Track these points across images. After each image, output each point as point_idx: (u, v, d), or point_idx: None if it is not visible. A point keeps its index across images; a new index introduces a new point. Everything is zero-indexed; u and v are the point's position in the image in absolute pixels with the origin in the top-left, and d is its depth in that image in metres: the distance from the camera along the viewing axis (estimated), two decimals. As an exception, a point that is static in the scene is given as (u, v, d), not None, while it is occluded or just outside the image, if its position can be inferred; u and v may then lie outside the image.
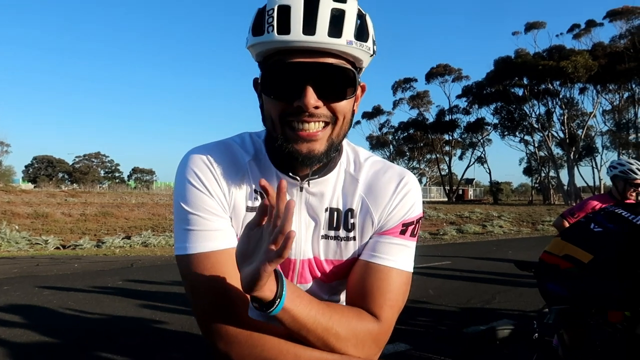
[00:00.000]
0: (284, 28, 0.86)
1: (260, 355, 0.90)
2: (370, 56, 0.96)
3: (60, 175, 69.62)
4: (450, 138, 57.10)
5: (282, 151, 0.93)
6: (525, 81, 45.95)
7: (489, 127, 52.98)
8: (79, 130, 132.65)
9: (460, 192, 57.92)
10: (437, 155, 59.05)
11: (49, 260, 10.32)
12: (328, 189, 1.04)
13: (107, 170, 77.53)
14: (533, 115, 48.07)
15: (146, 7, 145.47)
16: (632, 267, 3.26)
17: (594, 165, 49.59)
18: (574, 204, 6.06)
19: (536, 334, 3.18)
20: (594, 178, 49.89)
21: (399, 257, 1.02)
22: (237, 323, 0.92)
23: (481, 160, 55.42)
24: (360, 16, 0.93)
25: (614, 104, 46.50)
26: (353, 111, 0.99)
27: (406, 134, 59.45)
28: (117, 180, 68.91)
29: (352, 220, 1.04)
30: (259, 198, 1.01)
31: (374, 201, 1.04)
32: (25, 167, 70.42)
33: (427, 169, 65.42)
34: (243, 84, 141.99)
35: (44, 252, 12.00)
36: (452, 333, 5.11)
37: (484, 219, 22.51)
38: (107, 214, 19.20)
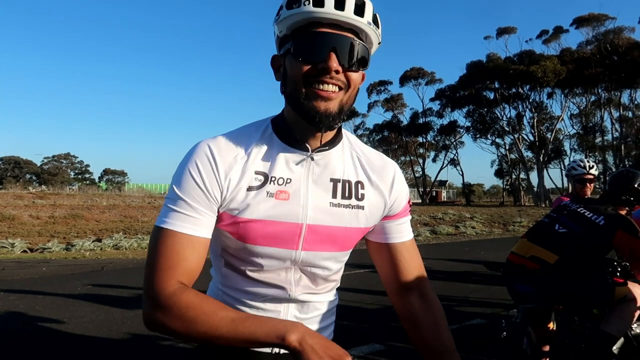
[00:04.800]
0: (319, 2, 1.01)
1: (193, 328, 0.98)
2: (378, 44, 1.13)
3: (28, 176, 67.37)
4: (424, 140, 57.62)
5: (301, 110, 1.06)
6: (496, 85, 46.84)
7: (462, 130, 53.74)
8: (47, 131, 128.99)
9: (434, 193, 58.57)
10: (411, 157, 59.53)
11: (15, 264, 10.02)
12: (333, 162, 1.17)
13: (77, 171, 75.55)
14: (504, 118, 49.08)
15: (120, 11, 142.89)
16: (596, 266, 3.36)
17: (562, 168, 50.92)
18: (543, 205, 6.24)
19: (504, 333, 3.25)
20: (562, 180, 51.23)
21: (410, 229, 1.34)
22: (178, 298, 0.99)
23: (454, 162, 56.20)
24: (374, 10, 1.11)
25: (581, 107, 47.90)
26: (357, 89, 1.12)
27: (381, 136, 59.77)
28: (87, 182, 67.20)
29: (362, 191, 1.20)
30: (261, 179, 1.11)
31: (381, 181, 1.24)
32: (-9, 168, 68.13)
33: (401, 170, 65.90)
34: (221, 83, 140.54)
35: (10, 255, 11.64)
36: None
37: (456, 220, 22.82)
38: (77, 216, 18.72)
